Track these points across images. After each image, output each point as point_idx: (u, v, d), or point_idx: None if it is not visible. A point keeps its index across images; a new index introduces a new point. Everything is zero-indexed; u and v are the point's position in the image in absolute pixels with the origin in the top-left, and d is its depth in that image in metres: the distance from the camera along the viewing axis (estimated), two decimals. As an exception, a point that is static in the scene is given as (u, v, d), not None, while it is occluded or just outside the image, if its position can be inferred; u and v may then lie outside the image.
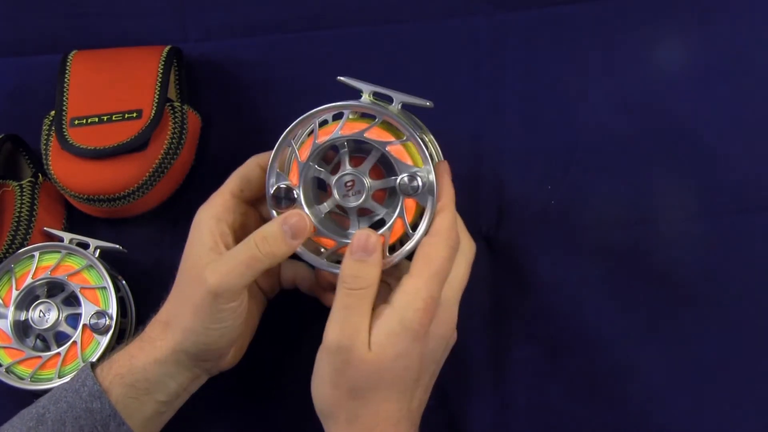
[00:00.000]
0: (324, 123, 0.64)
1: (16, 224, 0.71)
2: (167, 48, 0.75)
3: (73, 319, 0.70)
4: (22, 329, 0.70)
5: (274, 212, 0.62)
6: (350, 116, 0.62)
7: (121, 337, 0.71)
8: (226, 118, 0.77)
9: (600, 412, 0.64)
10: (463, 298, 0.68)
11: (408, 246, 0.61)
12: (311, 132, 0.63)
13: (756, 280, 0.66)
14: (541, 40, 0.73)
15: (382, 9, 0.76)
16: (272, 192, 0.62)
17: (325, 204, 0.63)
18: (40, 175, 0.75)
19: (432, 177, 0.60)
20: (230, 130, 0.77)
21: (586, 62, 0.72)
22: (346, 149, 0.63)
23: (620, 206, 0.69)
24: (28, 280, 0.69)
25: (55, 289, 0.71)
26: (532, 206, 0.69)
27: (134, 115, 0.71)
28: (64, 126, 0.71)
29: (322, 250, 0.63)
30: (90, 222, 0.75)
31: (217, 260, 0.60)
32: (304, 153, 0.62)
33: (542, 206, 0.69)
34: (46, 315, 0.69)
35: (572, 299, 0.67)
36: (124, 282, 0.72)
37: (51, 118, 0.73)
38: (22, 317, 0.69)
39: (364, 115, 0.63)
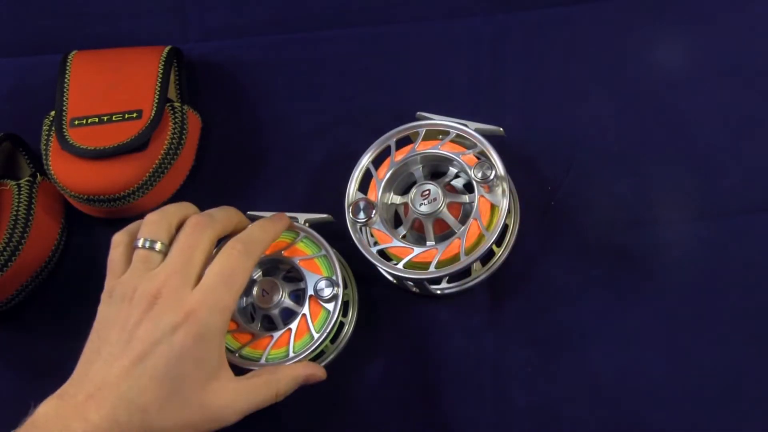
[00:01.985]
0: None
1: (13, 224, 0.70)
2: (167, 48, 0.75)
3: (295, 296, 0.68)
4: (247, 313, 0.68)
5: (350, 227, 0.66)
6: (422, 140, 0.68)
7: (345, 309, 0.69)
8: (226, 118, 0.77)
9: (600, 412, 0.64)
10: (462, 298, 0.69)
11: (481, 249, 0.64)
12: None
13: (756, 281, 0.66)
14: (542, 40, 0.73)
15: (382, 9, 0.76)
16: (351, 206, 0.65)
17: (401, 228, 0.68)
18: (38, 174, 0.74)
19: (503, 171, 0.64)
20: (230, 130, 0.77)
21: (587, 62, 0.72)
22: (420, 171, 0.68)
23: (620, 207, 0.69)
24: None
25: (270, 269, 0.69)
26: (532, 207, 0.69)
27: (134, 115, 0.71)
28: (64, 126, 0.71)
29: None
30: (89, 222, 0.75)
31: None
32: (382, 172, 0.67)
33: (542, 207, 0.69)
34: (270, 293, 0.67)
35: (572, 299, 0.67)
36: (335, 251, 0.68)
37: (51, 118, 0.73)
38: (244, 301, 0.68)
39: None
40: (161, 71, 0.73)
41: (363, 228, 0.67)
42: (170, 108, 0.73)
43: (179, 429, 0.58)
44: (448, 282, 0.68)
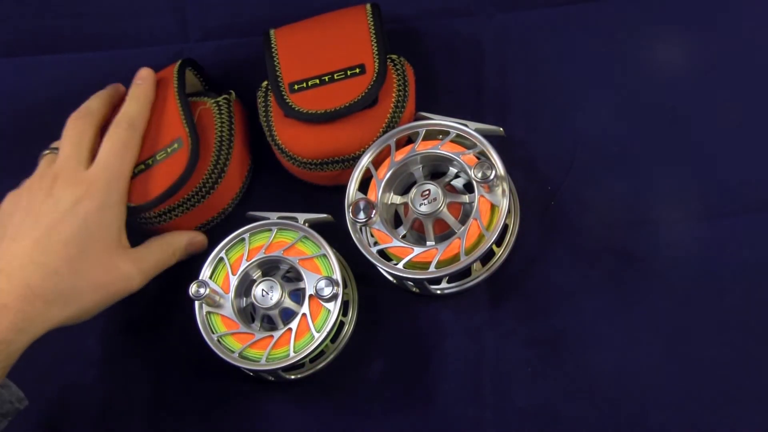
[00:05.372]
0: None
1: (219, 143, 0.69)
2: (368, 4, 0.72)
3: (296, 295, 0.68)
4: (247, 313, 0.68)
5: (350, 227, 0.66)
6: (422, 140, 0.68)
7: (345, 309, 0.69)
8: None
9: (600, 412, 0.64)
10: (462, 298, 0.69)
11: (481, 249, 0.64)
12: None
13: (756, 281, 0.66)
14: (542, 40, 0.73)
15: (381, 9, 0.76)
16: (351, 206, 0.65)
17: (401, 228, 0.68)
18: (232, 92, 0.73)
19: (503, 171, 0.64)
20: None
21: (587, 62, 0.72)
22: (420, 171, 0.68)
23: (620, 207, 0.69)
24: (244, 263, 0.67)
25: (269, 269, 0.69)
26: (533, 207, 0.69)
27: (357, 70, 0.68)
28: (283, 93, 0.69)
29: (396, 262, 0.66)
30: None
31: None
32: (382, 172, 0.67)
33: (542, 207, 0.69)
34: (270, 293, 0.66)
35: (572, 299, 0.67)
36: (335, 251, 0.68)
37: (264, 89, 0.72)
38: (244, 302, 0.68)
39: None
40: (372, 23, 0.70)
41: (363, 228, 0.67)
42: (390, 60, 0.70)
43: (91, 290, 0.63)
44: (448, 282, 0.68)
